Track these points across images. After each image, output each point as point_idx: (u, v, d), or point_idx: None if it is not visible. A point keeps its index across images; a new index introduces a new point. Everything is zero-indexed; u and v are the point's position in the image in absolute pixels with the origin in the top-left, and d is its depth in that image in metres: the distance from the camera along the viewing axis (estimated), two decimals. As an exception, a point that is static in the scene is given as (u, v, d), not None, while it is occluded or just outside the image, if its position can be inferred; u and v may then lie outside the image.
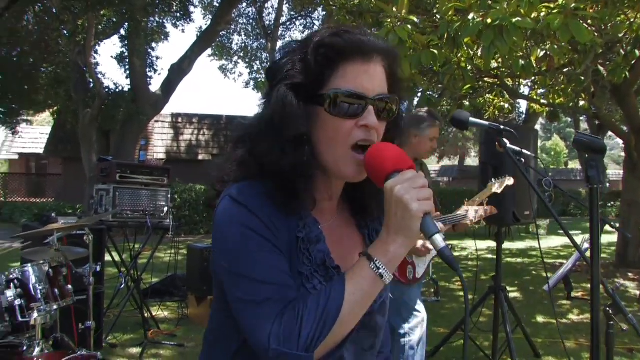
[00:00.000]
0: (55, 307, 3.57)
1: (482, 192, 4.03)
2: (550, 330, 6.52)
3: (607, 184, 34.32)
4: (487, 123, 2.62)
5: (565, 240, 16.12)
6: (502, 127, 2.53)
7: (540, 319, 7.15)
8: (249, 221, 1.21)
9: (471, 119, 2.63)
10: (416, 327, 3.98)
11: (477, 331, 5.51)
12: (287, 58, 1.28)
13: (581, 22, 4.68)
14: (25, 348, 3.38)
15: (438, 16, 6.00)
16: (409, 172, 1.15)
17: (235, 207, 1.23)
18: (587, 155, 1.41)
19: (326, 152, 1.26)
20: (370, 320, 1.36)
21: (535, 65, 6.73)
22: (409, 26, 4.86)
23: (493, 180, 3.98)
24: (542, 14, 4.95)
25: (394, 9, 4.90)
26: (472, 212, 3.93)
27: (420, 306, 4.06)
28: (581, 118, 30.40)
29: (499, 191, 4.00)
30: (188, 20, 20.12)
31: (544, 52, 5.93)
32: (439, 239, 1.09)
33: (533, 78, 9.89)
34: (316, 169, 1.27)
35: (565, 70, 8.08)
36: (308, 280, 1.25)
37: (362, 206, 1.42)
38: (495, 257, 5.23)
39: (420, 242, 3.64)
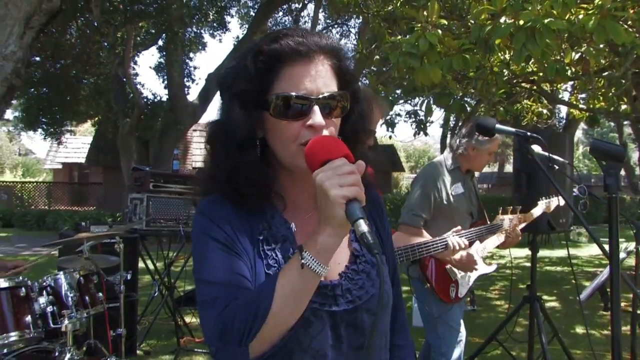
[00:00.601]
0: (85, 314, 3.63)
1: (533, 211, 3.92)
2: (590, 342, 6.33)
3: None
4: (513, 130, 2.55)
5: (606, 248, 15.68)
6: (529, 133, 2.46)
7: (579, 329, 6.95)
8: (206, 228, 1.27)
9: (497, 125, 2.57)
10: (455, 347, 3.88)
11: (512, 341, 5.38)
12: (232, 67, 1.32)
13: (620, 23, 4.54)
14: (57, 354, 3.44)
15: (472, 21, 5.91)
16: (337, 161, 1.14)
17: (199, 217, 1.31)
18: (604, 163, 1.35)
19: (280, 150, 1.29)
20: (355, 317, 1.34)
21: (571, 69, 6.56)
22: (439, 31, 4.79)
23: (542, 199, 3.89)
24: (579, 16, 4.84)
25: (425, 13, 4.84)
26: (506, 220, 3.83)
27: (461, 325, 3.97)
28: (625, 122, 29.66)
29: (549, 211, 3.92)
30: (224, 30, 20.36)
31: (579, 54, 5.77)
32: (362, 224, 1.05)
33: (572, 82, 9.66)
34: (277, 168, 1.32)
35: (605, 73, 7.86)
36: None
37: None
38: (528, 264, 5.11)
39: (462, 253, 3.52)
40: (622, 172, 39.05)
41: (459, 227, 3.49)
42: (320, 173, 1.12)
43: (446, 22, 5.26)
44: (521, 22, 4.35)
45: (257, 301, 1.15)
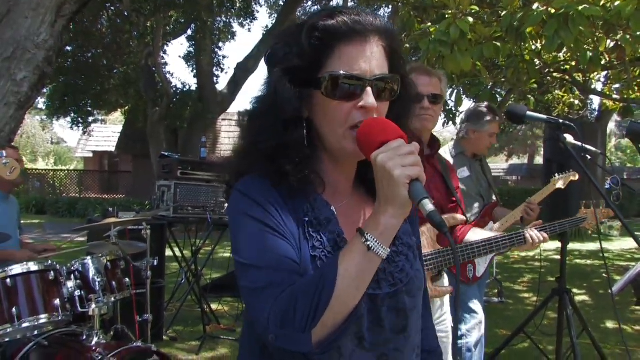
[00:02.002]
0: (112, 299, 3.67)
1: (545, 188, 3.86)
2: (620, 337, 6.21)
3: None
4: (545, 117, 2.50)
5: (640, 242, 15.38)
6: (561, 121, 2.40)
7: (610, 324, 6.82)
8: (250, 209, 1.23)
9: (529, 112, 2.51)
10: (474, 329, 3.85)
11: (540, 334, 5.30)
12: (284, 42, 1.27)
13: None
14: (85, 337, 3.48)
15: (503, 9, 5.80)
16: (395, 142, 1.12)
17: (239, 197, 1.26)
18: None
19: (327, 133, 1.26)
20: (397, 300, 1.32)
21: (605, 57, 6.41)
22: (470, 18, 4.71)
23: (556, 175, 3.80)
24: (615, 2, 4.71)
25: (455, 1, 4.76)
26: (590, 214, 3.71)
27: (478, 307, 3.92)
28: (660, 114, 28.94)
29: (563, 187, 3.81)
30: (251, 19, 20.37)
31: (615, 43, 5.62)
32: (428, 203, 1.05)
33: (606, 72, 9.44)
34: (319, 150, 1.29)
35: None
36: (323, 262, 1.23)
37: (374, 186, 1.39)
38: (557, 257, 5.02)
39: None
40: (657, 165, 38.23)
41: (540, 221, 3.42)
42: (382, 154, 1.10)
43: (478, 9, 5.16)
44: (553, 10, 4.26)
45: (320, 285, 1.11)
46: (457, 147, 4.00)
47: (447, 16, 4.80)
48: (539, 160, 47.54)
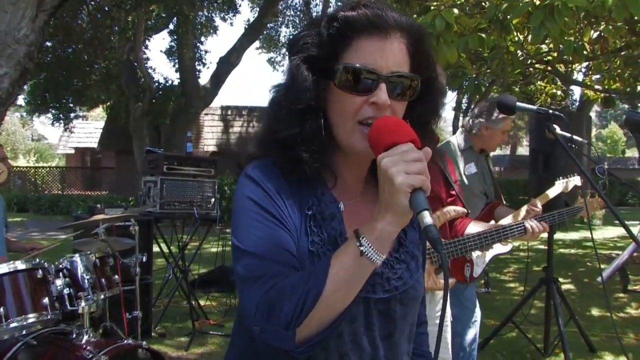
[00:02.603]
0: (102, 296, 3.63)
1: (548, 192, 3.80)
2: (606, 325, 6.29)
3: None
4: (535, 107, 2.51)
5: (621, 231, 15.57)
6: (551, 111, 2.41)
7: (595, 312, 6.91)
8: (255, 194, 1.21)
9: (518, 103, 2.52)
10: (470, 327, 3.86)
11: (528, 324, 5.36)
12: (306, 31, 1.26)
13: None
14: (74, 335, 3.45)
15: (487, 3, 5.82)
16: (403, 146, 1.07)
17: (246, 181, 1.24)
18: (639, 135, 1.30)
19: (338, 126, 1.24)
20: (388, 307, 1.30)
21: (588, 48, 6.46)
22: (456, 10, 4.72)
23: (560, 179, 3.80)
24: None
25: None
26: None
27: (476, 305, 3.94)
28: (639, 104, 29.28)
29: (567, 190, 3.82)
30: (234, 12, 20.26)
31: (598, 33, 5.67)
32: (426, 216, 1.00)
33: (587, 63, 9.54)
34: (334, 143, 1.26)
35: (622, 53, 7.75)
36: (320, 258, 1.21)
37: None
38: (544, 247, 5.07)
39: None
40: (637, 154, 38.71)
41: (539, 210, 3.43)
42: (386, 157, 1.06)
43: (462, 1, 5.18)
44: (538, 1, 4.29)
45: (309, 284, 1.09)
46: (467, 142, 3.90)
47: (432, 8, 4.80)
48: (521, 151, 47.96)
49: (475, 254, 3.69)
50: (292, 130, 1.21)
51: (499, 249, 3.79)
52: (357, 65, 1.18)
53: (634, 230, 2.19)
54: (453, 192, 3.12)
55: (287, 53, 1.31)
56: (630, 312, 6.88)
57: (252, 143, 1.34)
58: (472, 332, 3.85)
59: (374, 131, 1.13)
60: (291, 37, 1.31)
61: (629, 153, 50.91)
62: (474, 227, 3.18)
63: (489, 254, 3.79)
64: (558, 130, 2.52)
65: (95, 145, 28.36)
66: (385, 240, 1.09)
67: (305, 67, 1.22)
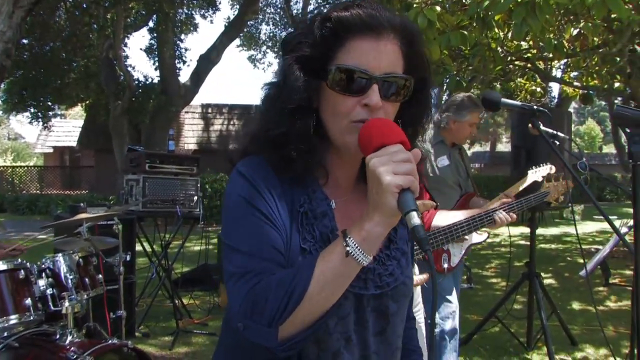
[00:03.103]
0: (85, 296, 3.59)
1: (520, 182, 3.85)
2: (586, 318, 6.38)
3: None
4: (519, 103, 2.53)
5: (600, 225, 15.80)
6: (535, 107, 2.44)
7: (576, 306, 7.00)
8: (245, 192, 1.21)
9: (503, 99, 2.54)
10: (448, 318, 3.89)
11: (511, 318, 5.41)
12: (300, 31, 1.25)
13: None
14: (58, 336, 3.40)
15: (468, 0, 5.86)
16: (393, 147, 1.07)
17: (237, 178, 1.24)
18: (629, 130, 1.32)
19: (331, 125, 1.23)
20: (380, 303, 1.31)
21: (567, 45, 6.53)
22: (438, 7, 4.74)
23: (532, 168, 3.84)
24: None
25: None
26: (552, 188, 3.76)
27: (453, 297, 3.97)
28: (616, 101, 29.67)
29: (540, 179, 3.85)
30: (214, 10, 20.15)
31: (578, 30, 5.74)
32: (414, 216, 1.00)
33: (566, 60, 9.64)
34: (325, 142, 1.26)
35: (599, 50, 7.84)
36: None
37: None
38: (528, 242, 5.13)
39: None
40: (614, 151, 39.26)
41: (509, 200, 3.47)
42: (375, 158, 1.06)
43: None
44: (520, -2, 4.32)
45: (294, 282, 1.09)
46: (437, 136, 4.00)
47: (414, 5, 4.81)
48: (501, 147, 48.35)
49: (452, 244, 3.73)
50: (282, 129, 1.21)
51: (474, 238, 3.84)
52: (350, 66, 1.17)
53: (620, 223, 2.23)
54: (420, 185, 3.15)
55: (280, 52, 1.31)
56: (610, 306, 6.98)
57: (245, 139, 1.34)
58: (451, 323, 3.88)
59: (364, 133, 1.13)
60: (284, 36, 1.30)
61: (606, 149, 51.63)
62: (440, 219, 3.23)
63: (466, 244, 3.84)
64: (542, 126, 2.55)
65: (74, 144, 28.04)
66: (373, 241, 1.09)
67: (297, 67, 1.21)
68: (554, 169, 3.81)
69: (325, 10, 1.24)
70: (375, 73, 1.17)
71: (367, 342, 1.30)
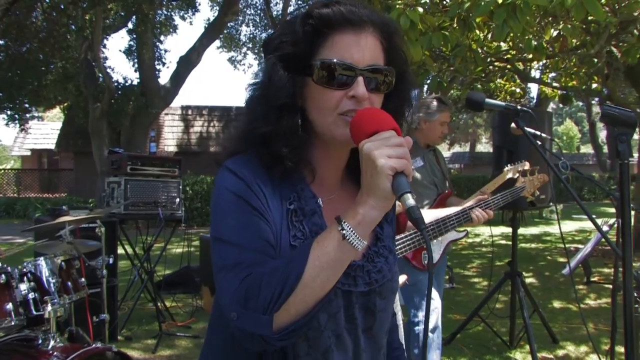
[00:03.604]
0: (68, 300, 3.56)
1: (496, 179, 3.91)
2: (567, 316, 6.46)
3: (621, 168, 34.06)
4: (503, 104, 2.54)
5: (579, 224, 16.01)
6: (519, 107, 2.46)
7: (556, 304, 7.08)
8: (234, 186, 1.21)
9: (487, 100, 2.55)
10: (430, 315, 3.90)
11: (494, 317, 5.45)
12: (280, 30, 1.28)
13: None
14: (40, 341, 3.36)
15: (448, 0, 5.90)
16: (385, 132, 1.10)
17: (226, 174, 1.24)
18: (616, 129, 1.35)
19: (317, 120, 1.25)
20: (368, 300, 1.32)
21: (547, 47, 6.61)
22: (420, 9, 4.76)
23: (508, 165, 3.88)
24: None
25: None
26: (528, 182, 3.79)
27: (435, 294, 4.00)
28: (593, 101, 30.11)
29: (515, 177, 3.88)
30: (194, 10, 20.05)
31: (557, 32, 5.81)
32: (409, 198, 1.03)
33: (544, 61, 9.75)
34: (312, 139, 1.27)
35: (578, 52, 7.95)
36: None
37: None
38: (509, 242, 5.18)
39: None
40: (591, 151, 39.80)
41: (485, 197, 3.50)
42: (368, 142, 1.08)
43: (428, 0, 5.23)
44: (500, 0, 4.36)
45: (288, 269, 1.09)
46: (412, 139, 4.03)
47: (397, 6, 4.83)
48: (480, 148, 48.78)
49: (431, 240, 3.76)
50: (269, 127, 1.22)
51: (453, 235, 3.88)
52: (335, 60, 1.20)
53: (591, 224, 2.24)
54: None
55: (261, 53, 1.33)
56: (590, 303, 7.07)
57: (230, 140, 1.35)
58: (433, 320, 3.90)
59: (356, 122, 1.15)
60: (266, 36, 1.32)
61: (584, 149, 52.32)
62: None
63: (445, 241, 3.88)
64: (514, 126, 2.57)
65: (52, 146, 27.68)
66: (367, 225, 1.10)
67: (281, 65, 1.23)
68: (528, 165, 3.85)
69: (305, 9, 1.27)
70: (359, 65, 1.20)
71: (358, 340, 1.31)
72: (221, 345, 1.34)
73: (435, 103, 4.08)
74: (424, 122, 4.06)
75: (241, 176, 1.22)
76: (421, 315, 3.89)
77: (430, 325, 3.90)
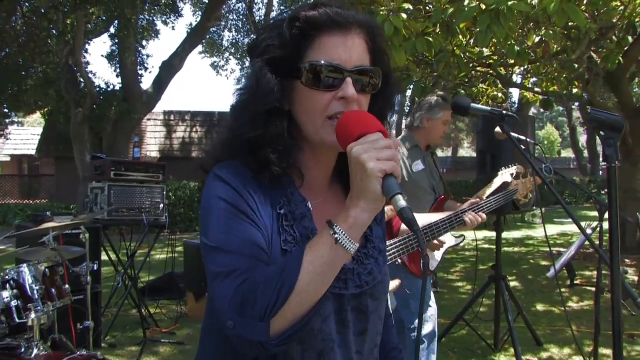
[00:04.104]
0: (52, 307, 3.51)
1: (491, 183, 3.87)
2: (550, 319, 6.52)
3: (600, 172, 34.48)
4: (488, 108, 2.56)
5: (560, 228, 16.16)
6: (504, 112, 2.48)
7: (539, 307, 7.14)
8: (225, 193, 1.21)
9: (472, 104, 2.57)
10: (427, 321, 3.90)
11: (479, 321, 5.48)
12: (266, 34, 1.27)
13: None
14: (23, 349, 3.32)
15: (430, 6, 5.95)
16: (373, 135, 1.10)
17: (215, 181, 1.23)
18: (602, 133, 1.37)
19: (306, 123, 1.26)
20: (360, 302, 1.33)
21: (529, 52, 6.69)
22: (404, 14, 4.80)
23: (502, 169, 3.89)
24: (534, 0, 4.94)
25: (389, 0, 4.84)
26: (520, 185, 3.80)
27: (432, 300, 4.01)
28: (573, 106, 30.47)
29: (509, 179, 3.89)
30: (177, 15, 19.98)
31: (539, 38, 5.89)
32: (400, 199, 1.04)
33: (525, 66, 9.87)
34: (299, 143, 1.27)
35: (559, 57, 8.06)
36: None
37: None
38: (492, 246, 5.21)
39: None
40: (572, 155, 40.26)
41: (477, 200, 3.50)
42: (357, 145, 1.08)
43: (411, 7, 5.26)
44: (483, 6, 4.41)
45: (283, 275, 1.09)
46: (411, 140, 4.00)
47: (381, 12, 4.86)
48: (462, 152, 49.08)
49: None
50: (257, 132, 1.22)
51: (452, 241, 3.88)
52: (323, 61, 1.20)
53: (572, 227, 2.27)
54: None
55: (243, 58, 1.33)
56: (572, 306, 7.14)
57: (215, 146, 1.34)
58: (429, 326, 3.90)
59: (341, 125, 1.16)
60: (251, 41, 1.32)
61: (564, 153, 52.87)
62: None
63: (442, 249, 3.85)
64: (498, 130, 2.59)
65: (32, 152, 27.38)
66: (359, 228, 1.11)
67: (268, 69, 1.23)
68: (522, 168, 3.87)
69: (289, 13, 1.27)
70: (347, 66, 1.21)
71: (350, 342, 1.31)
72: (214, 352, 1.33)
73: (438, 101, 4.04)
74: (426, 120, 3.98)
75: (231, 183, 1.21)
76: (416, 321, 3.86)
77: (427, 331, 3.88)
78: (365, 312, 1.34)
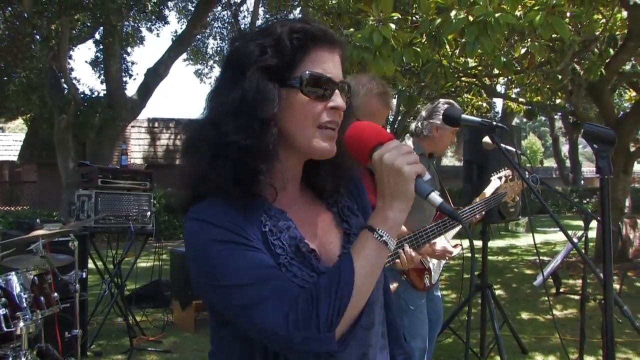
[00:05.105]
0: (41, 315, 3.49)
1: (486, 189, 3.86)
2: (535, 327, 6.58)
3: (582, 181, 34.89)
4: (479, 119, 2.60)
5: (544, 237, 16.30)
6: (494, 122, 2.52)
7: (524, 315, 7.20)
8: (213, 234, 1.20)
9: (463, 115, 2.61)
10: (418, 337, 3.84)
11: (464, 329, 5.52)
12: (254, 44, 1.28)
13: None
14: (10, 359, 3.29)
15: (417, 16, 6.02)
16: (392, 142, 1.23)
17: (197, 225, 1.23)
18: (596, 146, 1.41)
19: (295, 133, 1.29)
20: None
21: (514, 63, 6.79)
22: (392, 25, 4.85)
23: (494, 173, 3.90)
24: (520, 12, 5.03)
25: (378, 9, 4.88)
26: (509, 189, 3.80)
27: (426, 316, 3.94)
28: (556, 116, 30.84)
29: (501, 183, 3.88)
30: (163, 23, 19.94)
31: (525, 49, 5.98)
32: (435, 196, 1.17)
33: (510, 77, 10.00)
34: (280, 150, 1.27)
35: (543, 68, 8.18)
36: (287, 269, 1.23)
37: (320, 187, 1.43)
38: (477, 255, 5.24)
39: (440, 244, 3.45)
40: (554, 164, 40.67)
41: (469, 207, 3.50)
42: (387, 153, 1.19)
43: (400, 16, 5.32)
44: (471, 18, 4.47)
45: (340, 283, 1.14)
46: (418, 148, 3.82)
47: (370, 22, 4.91)
48: (446, 162, 49.32)
49: (432, 261, 3.71)
50: (251, 141, 1.21)
51: (455, 251, 3.85)
52: (321, 72, 1.27)
53: (555, 236, 2.31)
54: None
55: (228, 67, 1.34)
56: (557, 314, 7.21)
57: (190, 179, 1.31)
58: (422, 342, 3.83)
59: (354, 135, 1.28)
60: (235, 52, 1.32)
61: (547, 163, 53.35)
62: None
63: (443, 260, 3.81)
64: (488, 140, 2.63)
65: (14, 158, 27.03)
66: (397, 228, 1.22)
67: (265, 77, 1.24)
68: (509, 172, 3.89)
69: (277, 26, 1.29)
70: (336, 79, 1.30)
71: (361, 338, 1.33)
72: None
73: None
74: (435, 130, 3.78)
75: (214, 222, 1.21)
76: (409, 337, 3.77)
77: (419, 346, 3.75)
78: (369, 303, 1.32)
